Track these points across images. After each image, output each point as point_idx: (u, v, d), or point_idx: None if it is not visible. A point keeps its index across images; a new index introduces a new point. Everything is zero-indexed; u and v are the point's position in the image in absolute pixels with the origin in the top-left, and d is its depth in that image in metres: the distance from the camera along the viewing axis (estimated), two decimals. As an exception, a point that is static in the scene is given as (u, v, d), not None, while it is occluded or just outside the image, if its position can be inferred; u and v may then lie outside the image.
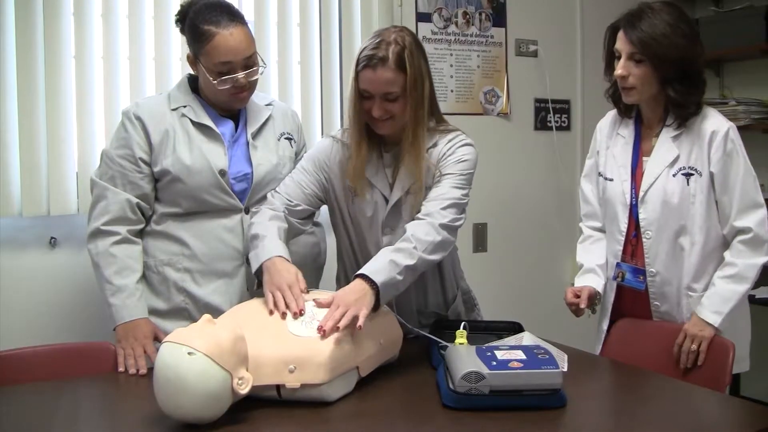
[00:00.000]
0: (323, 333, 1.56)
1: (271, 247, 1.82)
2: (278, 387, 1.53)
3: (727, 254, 1.96)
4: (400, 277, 1.73)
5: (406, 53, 1.83)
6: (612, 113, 2.19)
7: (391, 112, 1.86)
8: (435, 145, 1.94)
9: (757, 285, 2.02)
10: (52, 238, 2.40)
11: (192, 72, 2.04)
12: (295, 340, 1.57)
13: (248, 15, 2.56)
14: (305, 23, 2.80)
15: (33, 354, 1.91)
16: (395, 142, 1.95)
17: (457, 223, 1.88)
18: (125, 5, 2.47)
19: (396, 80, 1.83)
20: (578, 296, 2.11)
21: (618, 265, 2.11)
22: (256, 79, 2.00)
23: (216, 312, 1.80)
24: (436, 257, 1.82)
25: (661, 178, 2.00)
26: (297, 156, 2.16)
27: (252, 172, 2.02)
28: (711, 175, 1.95)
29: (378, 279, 1.69)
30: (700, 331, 1.91)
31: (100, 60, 2.44)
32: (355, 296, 1.65)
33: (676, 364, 1.95)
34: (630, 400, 1.69)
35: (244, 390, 1.44)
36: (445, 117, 2.05)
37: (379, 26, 2.68)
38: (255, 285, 1.87)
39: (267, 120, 2.10)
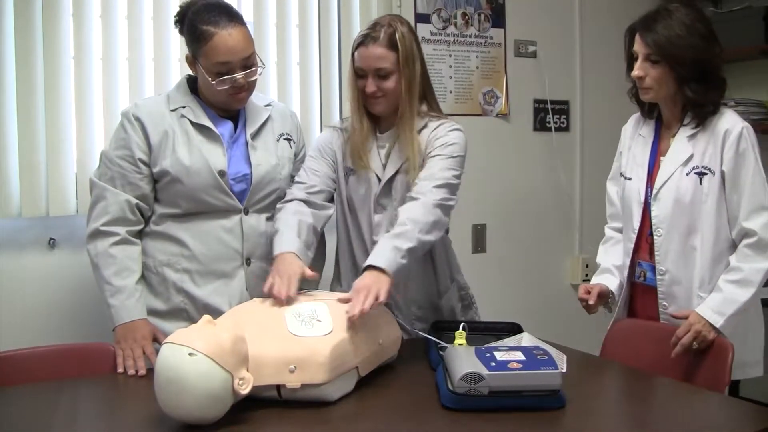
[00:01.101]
0: (353, 318, 1.61)
1: (285, 242, 1.88)
2: (279, 387, 1.53)
3: (732, 258, 1.95)
4: (404, 261, 1.78)
5: (398, 34, 1.96)
6: (636, 115, 2.21)
7: (384, 89, 1.97)
8: (425, 127, 2.02)
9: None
10: (51, 238, 2.39)
11: (191, 73, 2.04)
12: (296, 340, 1.57)
13: (247, 16, 2.55)
14: (304, 24, 2.80)
15: (32, 355, 1.91)
16: (389, 125, 2.04)
17: (450, 203, 1.93)
18: (124, 6, 2.47)
19: (386, 56, 1.95)
20: (590, 292, 2.12)
21: (640, 264, 2.11)
22: (255, 80, 2.00)
23: (215, 312, 1.79)
24: (432, 237, 1.87)
25: (674, 176, 2.00)
26: (296, 157, 2.17)
27: (251, 173, 2.03)
28: (723, 174, 1.95)
29: (389, 267, 1.73)
30: (704, 327, 1.88)
31: (99, 61, 2.43)
32: (373, 281, 1.70)
33: (675, 364, 1.94)
34: (629, 400, 1.70)
35: (245, 390, 1.44)
36: (444, 118, 2.06)
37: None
38: None
39: (266, 121, 2.10)
